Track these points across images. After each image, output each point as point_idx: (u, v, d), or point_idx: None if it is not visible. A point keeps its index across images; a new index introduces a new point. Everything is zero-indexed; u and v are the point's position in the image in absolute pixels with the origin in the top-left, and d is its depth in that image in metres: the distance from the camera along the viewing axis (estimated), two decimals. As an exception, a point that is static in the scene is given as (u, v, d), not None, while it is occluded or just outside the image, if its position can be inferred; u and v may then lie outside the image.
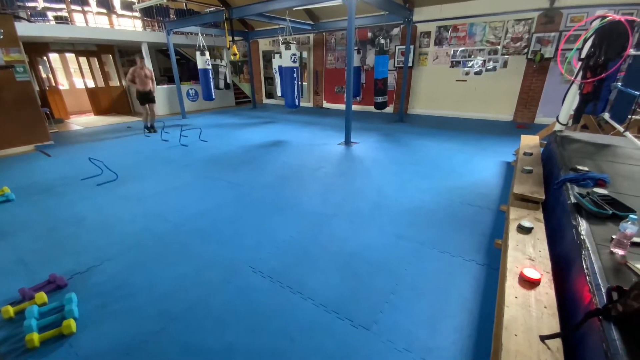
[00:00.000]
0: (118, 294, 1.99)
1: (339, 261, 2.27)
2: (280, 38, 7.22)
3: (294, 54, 5.81)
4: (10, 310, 1.79)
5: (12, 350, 1.60)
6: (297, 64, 5.91)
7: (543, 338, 1.14)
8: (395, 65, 8.68)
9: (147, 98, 6.66)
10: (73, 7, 8.14)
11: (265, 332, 1.67)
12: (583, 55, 3.24)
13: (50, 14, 7.89)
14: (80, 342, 1.65)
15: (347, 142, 5.66)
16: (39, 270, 2.23)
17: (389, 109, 9.07)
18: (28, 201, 3.44)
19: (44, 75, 8.73)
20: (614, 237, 1.39)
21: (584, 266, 1.29)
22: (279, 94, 8.29)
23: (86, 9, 8.46)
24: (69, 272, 2.20)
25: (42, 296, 1.90)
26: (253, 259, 2.32)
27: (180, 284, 2.06)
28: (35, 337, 1.60)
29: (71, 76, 10.45)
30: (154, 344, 1.62)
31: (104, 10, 8.91)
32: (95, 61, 9.71)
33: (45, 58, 8.75)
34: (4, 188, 3.59)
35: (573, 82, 3.46)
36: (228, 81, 10.39)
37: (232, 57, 7.50)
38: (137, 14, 9.52)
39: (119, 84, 10.25)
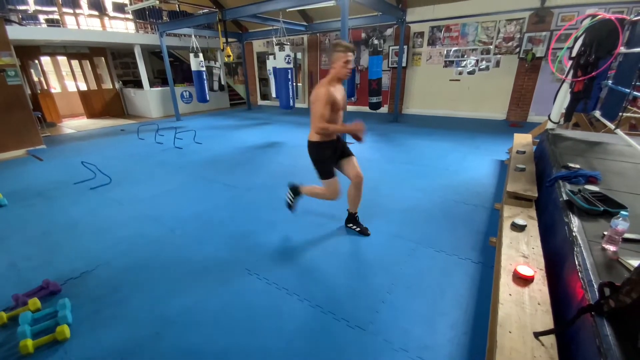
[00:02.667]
0: (112, 299, 1.97)
1: (336, 261, 2.27)
2: (274, 39, 7.22)
3: (288, 55, 5.81)
4: (4, 316, 1.77)
5: (6, 357, 1.57)
6: (291, 65, 5.91)
7: (537, 334, 1.15)
8: (389, 65, 8.72)
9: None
10: (64, 9, 8.06)
11: (262, 334, 1.67)
12: (574, 54, 3.28)
13: (41, 17, 7.81)
14: (75, 347, 1.63)
15: (343, 143, 5.65)
16: (32, 276, 2.20)
17: (384, 109, 9.11)
18: (20, 206, 3.39)
19: (35, 79, 8.64)
20: (605, 233, 1.40)
21: (576, 263, 1.31)
22: (273, 95, 8.29)
23: (78, 11, 8.39)
24: (63, 277, 2.18)
25: (35, 302, 1.87)
26: (249, 260, 2.31)
27: (175, 288, 2.05)
28: (29, 344, 1.58)
29: (63, 79, 10.34)
30: (149, 349, 1.60)
31: (96, 13, 8.83)
32: (87, 64, 9.62)
33: (36, 61, 8.65)
34: (-5, 193, 3.54)
35: (564, 80, 3.49)
36: (222, 83, 10.36)
37: (226, 59, 7.49)
38: (130, 16, 9.45)
39: (111, 87, 10.17)
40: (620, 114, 2.88)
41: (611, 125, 2.97)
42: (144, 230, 2.80)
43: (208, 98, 8.51)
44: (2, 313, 1.78)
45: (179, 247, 2.53)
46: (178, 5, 10.15)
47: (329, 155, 2.35)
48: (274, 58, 6.98)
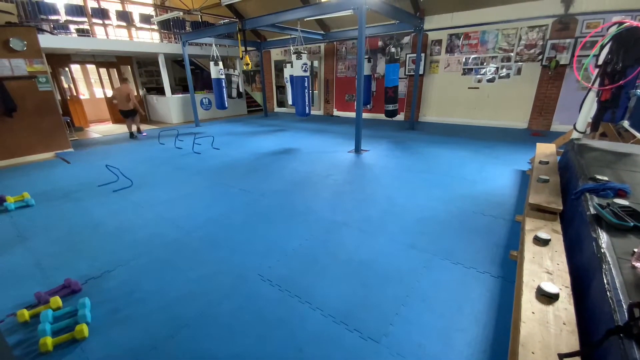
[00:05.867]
0: (130, 299, 2.02)
1: (349, 270, 2.24)
2: (291, 48, 7.34)
3: (305, 63, 5.88)
4: (26, 314, 1.84)
5: (26, 354, 1.63)
6: (308, 73, 5.97)
7: (562, 356, 1.08)
8: (406, 73, 8.68)
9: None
10: (94, 20, 8.50)
11: (273, 341, 1.66)
12: (600, 61, 3.17)
13: (72, 27, 8.25)
14: (92, 346, 1.67)
15: (358, 150, 5.65)
16: (55, 275, 2.28)
17: (400, 116, 9.04)
18: (47, 207, 3.55)
19: (65, 85, 9.10)
20: (635, 250, 1.33)
21: (605, 281, 1.24)
22: (290, 102, 8.39)
23: (107, 22, 8.82)
24: (84, 276, 2.25)
25: (56, 300, 1.94)
26: (262, 266, 2.32)
27: (190, 290, 2.07)
28: (49, 341, 1.63)
29: (92, 86, 10.85)
30: (163, 351, 1.62)
31: (124, 24, 9.26)
32: (114, 72, 10.07)
33: (67, 69, 9.12)
34: (24, 194, 3.72)
35: (590, 89, 3.37)
36: (241, 90, 10.57)
37: (244, 67, 7.66)
38: (155, 27, 9.86)
39: (136, 94, 10.57)
40: (651, 124, 2.74)
41: (641, 136, 2.83)
42: (162, 233, 2.87)
43: (227, 105, 8.71)
44: (25, 310, 1.85)
45: (194, 250, 2.57)
46: (200, 16, 10.51)
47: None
48: (291, 66, 7.09)
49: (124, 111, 7.26)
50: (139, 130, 7.84)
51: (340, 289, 2.05)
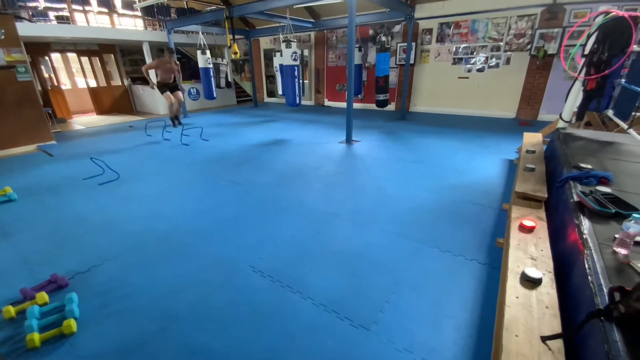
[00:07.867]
0: (119, 293, 2.00)
1: (340, 260, 2.26)
2: (281, 36, 7.21)
3: (295, 52, 5.79)
4: (12, 310, 1.80)
5: (13, 350, 1.60)
6: (298, 62, 5.89)
7: (544, 339, 1.12)
8: (397, 62, 8.64)
9: (168, 86, 6.40)
10: (74, 6, 8.15)
11: (266, 332, 1.67)
12: (586, 51, 3.20)
13: (51, 14, 7.92)
14: (81, 342, 1.65)
15: (349, 141, 5.64)
16: (41, 270, 2.24)
17: (391, 106, 9.04)
18: (30, 201, 3.45)
19: (46, 75, 8.76)
20: (617, 236, 1.37)
21: (586, 266, 1.28)
22: (280, 92, 8.29)
23: (87, 8, 8.49)
24: (70, 271, 2.21)
25: (43, 296, 1.90)
26: (253, 258, 2.31)
27: (181, 284, 2.06)
28: (36, 337, 1.60)
29: (73, 76, 10.48)
30: (154, 345, 1.62)
31: (105, 10, 8.92)
32: (97, 61, 9.72)
33: (47, 58, 8.77)
34: (6, 188, 3.60)
35: (576, 78, 3.42)
36: (229, 80, 10.37)
37: (233, 56, 7.48)
38: (138, 13, 9.52)
39: (120, 84, 10.27)
40: (633, 113, 2.81)
41: (624, 125, 2.90)
42: (151, 226, 2.83)
43: (215, 95, 8.54)
44: (10, 307, 1.81)
45: (185, 243, 2.55)
46: (186, 2, 10.18)
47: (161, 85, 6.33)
48: (281, 55, 6.97)
49: (169, 84, 6.37)
50: (177, 118, 6.59)
51: (331, 278, 2.07)
